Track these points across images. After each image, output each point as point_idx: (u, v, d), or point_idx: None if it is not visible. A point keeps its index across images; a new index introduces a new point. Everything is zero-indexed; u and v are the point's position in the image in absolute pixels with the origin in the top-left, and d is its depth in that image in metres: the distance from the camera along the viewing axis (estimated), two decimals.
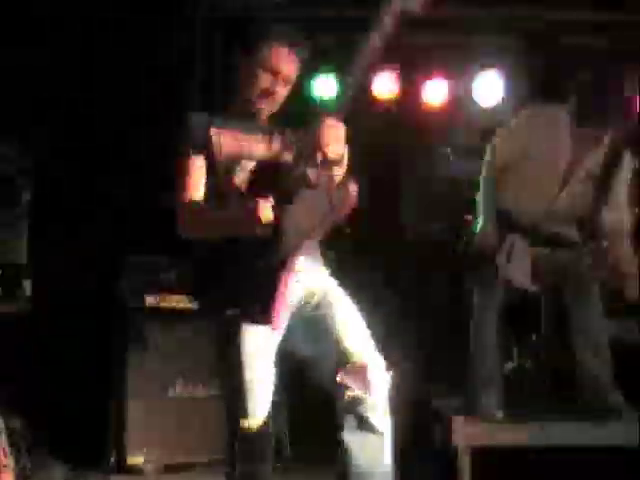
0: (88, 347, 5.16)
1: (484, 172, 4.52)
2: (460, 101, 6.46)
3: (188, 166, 2.97)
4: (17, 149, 4.82)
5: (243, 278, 2.80)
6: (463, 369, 5.01)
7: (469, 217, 5.23)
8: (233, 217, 2.82)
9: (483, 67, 6.31)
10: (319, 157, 2.68)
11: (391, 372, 3.08)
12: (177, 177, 2.99)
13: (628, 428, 4.32)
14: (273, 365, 2.97)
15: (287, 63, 2.99)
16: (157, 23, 5.75)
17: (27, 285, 4.94)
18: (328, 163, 2.71)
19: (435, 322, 5.63)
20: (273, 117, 3.12)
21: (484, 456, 4.26)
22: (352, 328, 3.02)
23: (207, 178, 2.98)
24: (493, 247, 4.41)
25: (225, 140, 2.99)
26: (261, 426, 2.86)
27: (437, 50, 6.41)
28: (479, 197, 4.57)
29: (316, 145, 2.67)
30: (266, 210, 2.70)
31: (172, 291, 5.03)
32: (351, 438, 3.00)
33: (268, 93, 3.01)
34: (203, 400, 4.95)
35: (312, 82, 6.43)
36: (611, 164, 4.43)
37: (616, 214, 4.50)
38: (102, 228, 5.61)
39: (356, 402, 2.98)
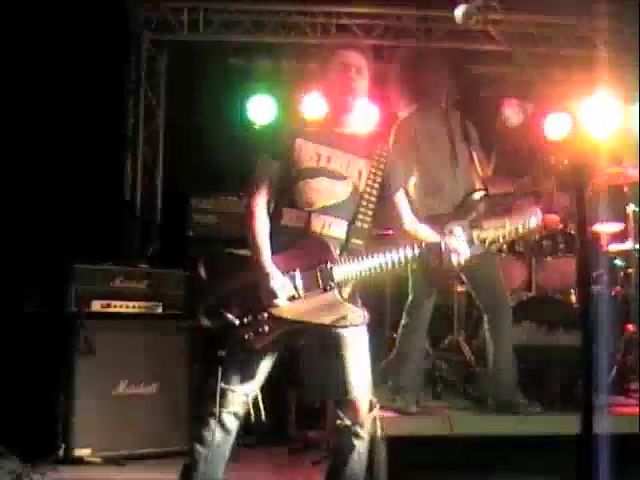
0: (38, 351, 5.51)
1: None
2: None
3: (265, 172, 3.50)
4: None
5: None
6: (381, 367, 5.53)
7: None
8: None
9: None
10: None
11: (377, 409, 3.64)
12: (253, 181, 3.51)
13: (527, 420, 4.84)
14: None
15: (358, 59, 3.55)
16: None
17: None
18: None
19: None
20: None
21: (397, 445, 4.75)
22: (357, 365, 3.51)
23: (279, 179, 3.50)
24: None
25: (306, 152, 3.47)
26: None
27: None
28: None
29: None
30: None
31: (122, 298, 5.47)
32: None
33: (354, 83, 3.51)
34: (145, 398, 5.38)
35: (247, 105, 6.84)
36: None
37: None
38: (49, 242, 5.98)
39: (346, 432, 3.54)
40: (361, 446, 3.55)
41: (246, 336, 3.38)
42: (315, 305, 3.39)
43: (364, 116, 6.73)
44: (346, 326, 3.41)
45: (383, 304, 6.07)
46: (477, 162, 5.06)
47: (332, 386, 3.56)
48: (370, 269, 3.38)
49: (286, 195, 3.49)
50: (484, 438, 4.74)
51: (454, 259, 3.39)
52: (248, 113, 6.88)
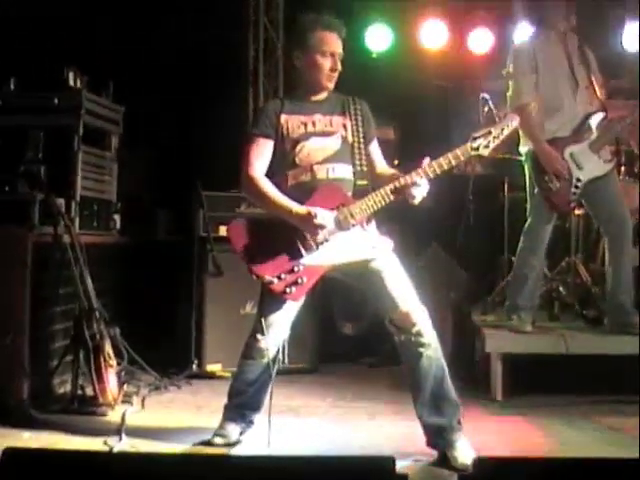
0: (170, 272, 5.89)
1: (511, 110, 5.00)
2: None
3: (254, 147, 3.78)
4: (107, 104, 5.43)
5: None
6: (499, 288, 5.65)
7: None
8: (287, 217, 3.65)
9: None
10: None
11: (426, 311, 3.74)
12: (247, 156, 3.78)
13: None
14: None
15: (338, 45, 3.79)
16: None
17: (117, 219, 5.63)
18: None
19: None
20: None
21: (512, 362, 4.89)
22: (397, 282, 3.70)
23: (275, 154, 3.79)
24: (561, 164, 4.93)
25: (293, 124, 3.78)
26: None
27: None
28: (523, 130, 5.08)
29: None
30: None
31: None
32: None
33: (333, 72, 3.79)
34: None
35: (365, 33, 6.91)
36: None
37: None
38: (179, 169, 6.30)
39: (409, 343, 3.70)
40: (427, 351, 3.68)
41: (287, 290, 3.63)
42: (344, 245, 3.65)
43: (481, 40, 6.82)
44: (378, 256, 3.66)
45: (500, 227, 6.15)
46: (595, 85, 5.05)
47: (382, 309, 3.75)
48: (381, 201, 3.63)
49: (285, 163, 3.76)
50: (599, 357, 4.82)
51: (416, 193, 3.61)
52: (366, 42, 6.96)
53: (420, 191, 3.61)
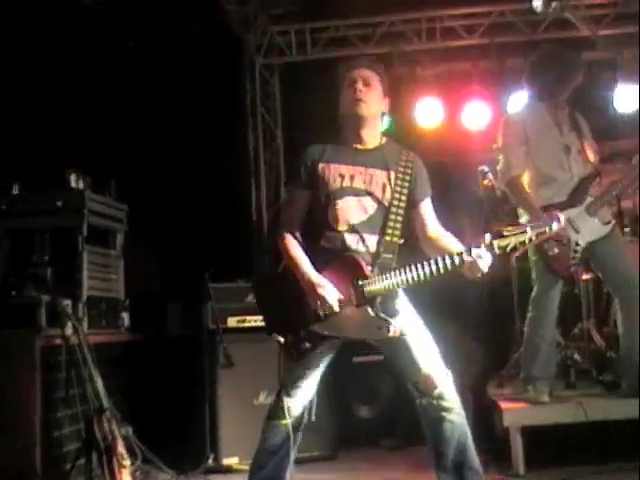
0: (182, 366, 5.85)
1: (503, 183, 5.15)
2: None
3: (290, 201, 3.76)
4: (110, 202, 5.49)
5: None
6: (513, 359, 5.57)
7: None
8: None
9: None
10: None
11: (450, 374, 3.68)
12: (283, 209, 3.80)
13: None
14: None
15: (359, 72, 3.69)
16: None
17: (125, 317, 5.63)
18: None
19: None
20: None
21: (532, 434, 4.78)
22: (420, 346, 3.63)
23: (312, 206, 3.71)
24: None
25: (330, 175, 3.65)
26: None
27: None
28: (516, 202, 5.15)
29: None
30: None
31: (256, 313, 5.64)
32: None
33: (357, 95, 3.63)
34: None
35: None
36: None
37: None
38: (186, 262, 6.32)
39: (430, 407, 3.62)
40: (449, 415, 3.58)
41: (292, 351, 3.62)
42: (350, 320, 3.54)
43: (477, 115, 6.92)
44: (380, 339, 3.56)
45: (510, 296, 6.11)
46: (588, 149, 5.08)
47: (403, 373, 3.67)
48: (399, 284, 3.50)
49: (320, 217, 3.66)
50: (620, 422, 4.73)
51: (482, 266, 3.36)
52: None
53: (484, 263, 3.37)
